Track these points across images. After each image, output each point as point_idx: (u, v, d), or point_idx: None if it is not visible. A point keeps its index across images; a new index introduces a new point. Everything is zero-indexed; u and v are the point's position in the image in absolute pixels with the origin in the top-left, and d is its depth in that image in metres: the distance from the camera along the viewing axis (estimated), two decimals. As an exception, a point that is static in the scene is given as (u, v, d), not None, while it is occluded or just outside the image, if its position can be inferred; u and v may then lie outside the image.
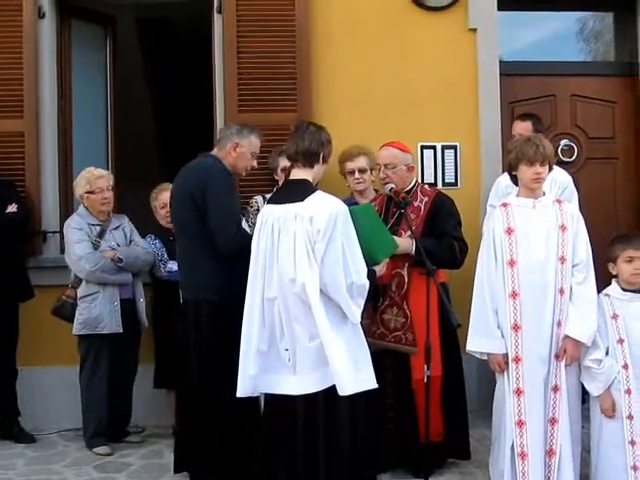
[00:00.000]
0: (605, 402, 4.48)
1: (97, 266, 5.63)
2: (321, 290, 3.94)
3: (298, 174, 4.23)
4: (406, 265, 4.99)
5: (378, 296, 5.00)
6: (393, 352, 5.01)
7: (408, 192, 5.21)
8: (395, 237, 4.88)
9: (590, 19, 7.26)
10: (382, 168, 5.20)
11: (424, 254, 4.66)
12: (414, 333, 4.92)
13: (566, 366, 4.44)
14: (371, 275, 4.16)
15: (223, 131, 5.08)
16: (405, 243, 4.92)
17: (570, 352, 4.42)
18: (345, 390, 3.92)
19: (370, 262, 4.20)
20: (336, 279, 3.92)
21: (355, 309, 4.00)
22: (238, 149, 4.90)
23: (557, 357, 4.45)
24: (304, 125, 4.34)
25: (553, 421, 4.44)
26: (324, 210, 3.96)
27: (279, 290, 4.04)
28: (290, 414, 4.08)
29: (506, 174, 5.13)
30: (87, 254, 5.65)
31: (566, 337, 4.42)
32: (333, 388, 3.94)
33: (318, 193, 4.10)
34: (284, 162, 5.58)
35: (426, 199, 5.20)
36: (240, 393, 4.17)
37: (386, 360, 4.99)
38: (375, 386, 4.07)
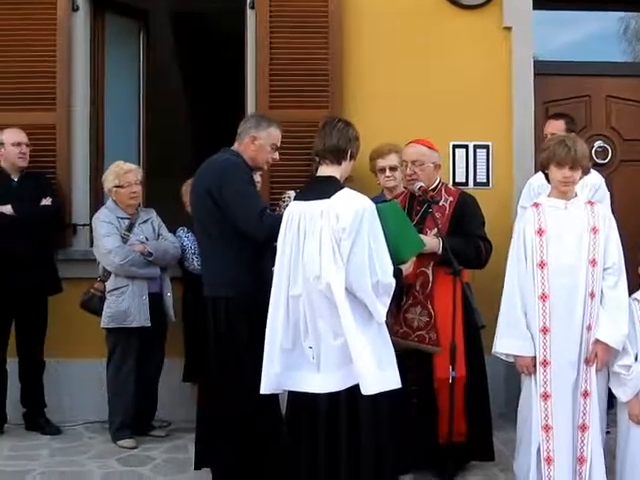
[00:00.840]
0: (633, 408, 4.40)
1: (127, 259, 5.65)
2: (346, 288, 3.90)
3: (326, 171, 4.20)
4: (431, 264, 4.95)
5: (402, 295, 4.95)
6: (416, 351, 4.97)
7: (433, 191, 5.18)
8: (422, 236, 4.83)
9: (626, 19, 7.15)
10: (409, 165, 5.15)
11: (451, 253, 4.63)
12: (437, 333, 4.88)
13: (596, 371, 4.37)
14: (397, 273, 4.11)
15: (242, 124, 4.96)
16: (432, 242, 4.87)
17: (601, 357, 4.35)
18: (368, 389, 3.88)
19: (396, 260, 4.15)
20: (362, 277, 3.88)
21: (380, 308, 3.95)
22: (256, 142, 4.81)
23: (587, 362, 4.38)
24: (333, 121, 4.29)
25: (583, 427, 4.37)
26: (350, 207, 3.92)
27: (304, 287, 4.01)
28: (313, 412, 4.04)
29: (539, 174, 5.08)
30: (117, 247, 5.67)
31: (597, 341, 4.36)
32: (357, 387, 3.90)
33: (345, 190, 4.05)
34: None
35: (451, 199, 5.17)
36: (264, 390, 4.14)
37: (410, 359, 4.94)
38: (399, 386, 4.02)
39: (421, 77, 6.43)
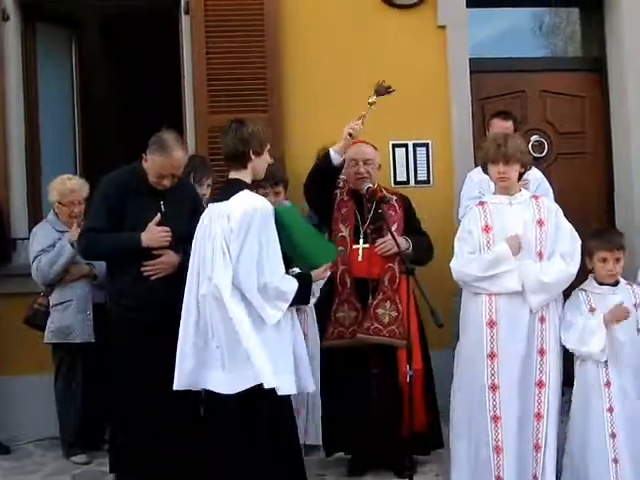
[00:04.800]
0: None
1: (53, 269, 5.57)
2: (239, 289, 3.89)
3: (233, 175, 4.17)
4: (397, 259, 5.03)
5: (368, 292, 5.05)
6: (380, 346, 5.02)
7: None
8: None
9: (558, 15, 7.30)
10: (360, 164, 5.17)
11: (402, 251, 4.78)
12: (404, 327, 4.92)
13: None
14: (307, 279, 4.09)
15: None
16: (402, 243, 4.96)
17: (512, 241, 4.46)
18: (268, 382, 3.83)
19: (307, 265, 4.15)
20: (249, 278, 3.86)
21: (270, 311, 3.90)
22: (146, 163, 4.72)
23: (541, 353, 4.46)
24: (228, 126, 4.21)
25: (538, 416, 4.45)
26: (240, 208, 3.91)
27: (207, 288, 4.01)
28: (218, 411, 4.04)
29: (478, 169, 5.16)
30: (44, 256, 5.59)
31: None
32: (253, 390, 3.89)
33: (243, 192, 4.03)
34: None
35: (395, 198, 5.27)
36: (176, 385, 4.11)
37: (374, 355, 5.03)
38: (293, 392, 4.00)
39: (358, 77, 6.40)
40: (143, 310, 4.61)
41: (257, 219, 3.89)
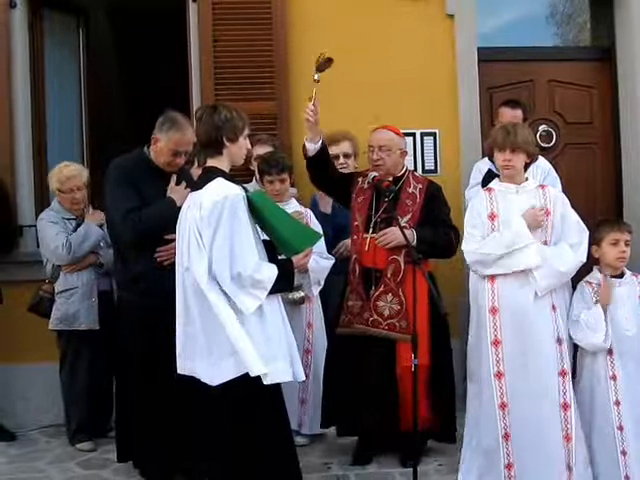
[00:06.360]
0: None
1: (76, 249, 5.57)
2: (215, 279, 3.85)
3: (209, 162, 4.09)
4: (403, 252, 4.94)
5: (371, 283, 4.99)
6: (379, 339, 4.98)
7: (400, 178, 5.16)
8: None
9: (567, 4, 7.26)
10: (376, 150, 5.11)
11: (410, 244, 4.68)
12: (408, 321, 4.86)
13: None
14: (286, 265, 4.04)
15: None
16: (407, 234, 4.81)
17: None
18: (255, 370, 3.75)
19: (287, 251, 4.09)
20: (222, 268, 3.79)
21: (246, 300, 3.81)
22: (158, 144, 4.74)
23: (559, 341, 4.44)
24: (201, 113, 4.10)
25: (565, 406, 4.43)
26: (211, 197, 3.85)
27: (187, 278, 3.97)
28: (204, 401, 3.99)
29: (485, 159, 5.13)
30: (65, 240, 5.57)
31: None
32: (235, 382, 3.83)
33: (217, 180, 3.95)
34: (257, 151, 5.55)
35: (420, 186, 5.15)
36: (179, 369, 4.08)
37: (372, 347, 4.99)
38: (289, 379, 3.93)
39: (366, 65, 6.43)
40: (159, 296, 4.47)
41: (227, 207, 3.81)
